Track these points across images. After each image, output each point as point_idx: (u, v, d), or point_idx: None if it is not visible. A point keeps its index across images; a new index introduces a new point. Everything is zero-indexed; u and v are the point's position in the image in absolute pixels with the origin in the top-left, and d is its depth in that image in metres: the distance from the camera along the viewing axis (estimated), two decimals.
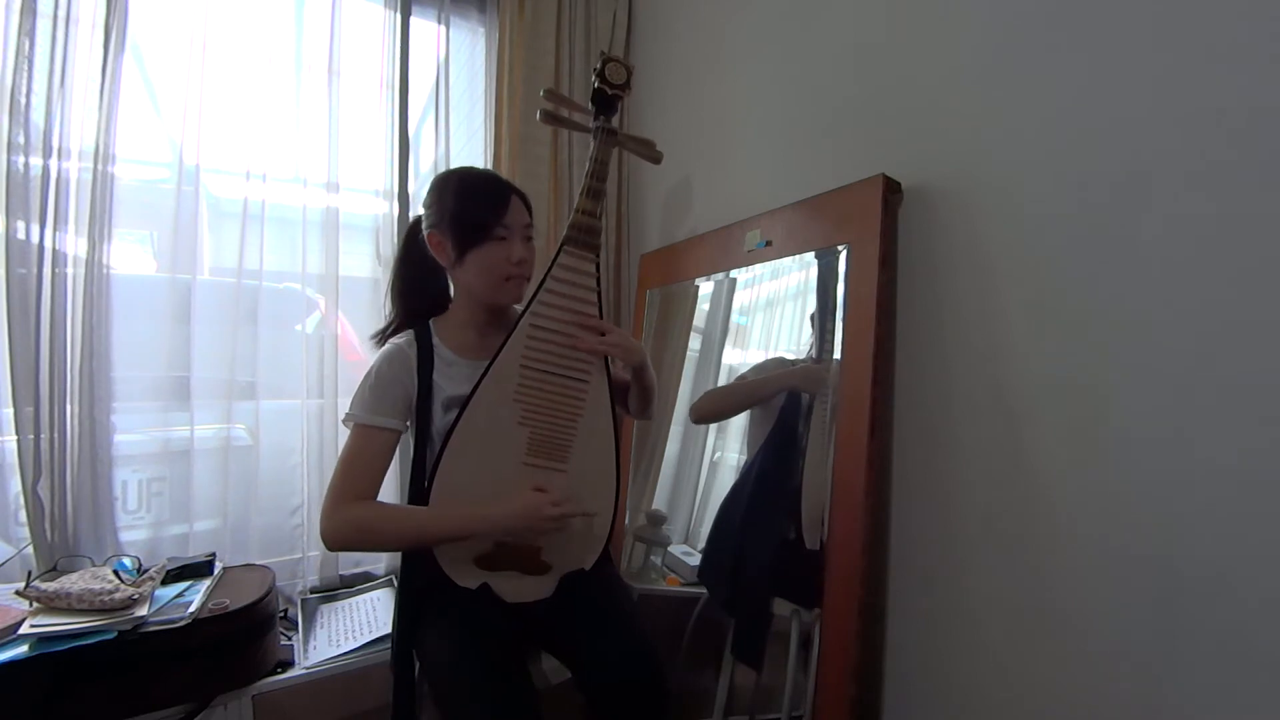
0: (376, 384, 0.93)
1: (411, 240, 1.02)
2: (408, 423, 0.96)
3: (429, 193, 0.99)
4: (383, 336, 1.03)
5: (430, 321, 1.01)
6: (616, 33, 1.77)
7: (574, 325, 0.96)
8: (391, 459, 0.93)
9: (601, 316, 0.98)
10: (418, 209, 1.03)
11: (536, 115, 1.16)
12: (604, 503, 0.99)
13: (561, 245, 0.98)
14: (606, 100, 1.07)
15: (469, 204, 0.95)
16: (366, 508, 0.88)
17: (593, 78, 1.06)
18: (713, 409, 1.35)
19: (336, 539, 0.87)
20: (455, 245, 0.94)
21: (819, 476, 1.03)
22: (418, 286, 1.04)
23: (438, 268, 1.00)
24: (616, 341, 0.97)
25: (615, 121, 1.11)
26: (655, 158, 1.20)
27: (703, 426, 1.39)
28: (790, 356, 1.18)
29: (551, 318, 0.95)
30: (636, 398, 1.09)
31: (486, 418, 0.92)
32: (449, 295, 1.06)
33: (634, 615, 1.01)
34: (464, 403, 0.92)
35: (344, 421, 0.94)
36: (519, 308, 1.00)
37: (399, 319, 1.04)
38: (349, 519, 0.86)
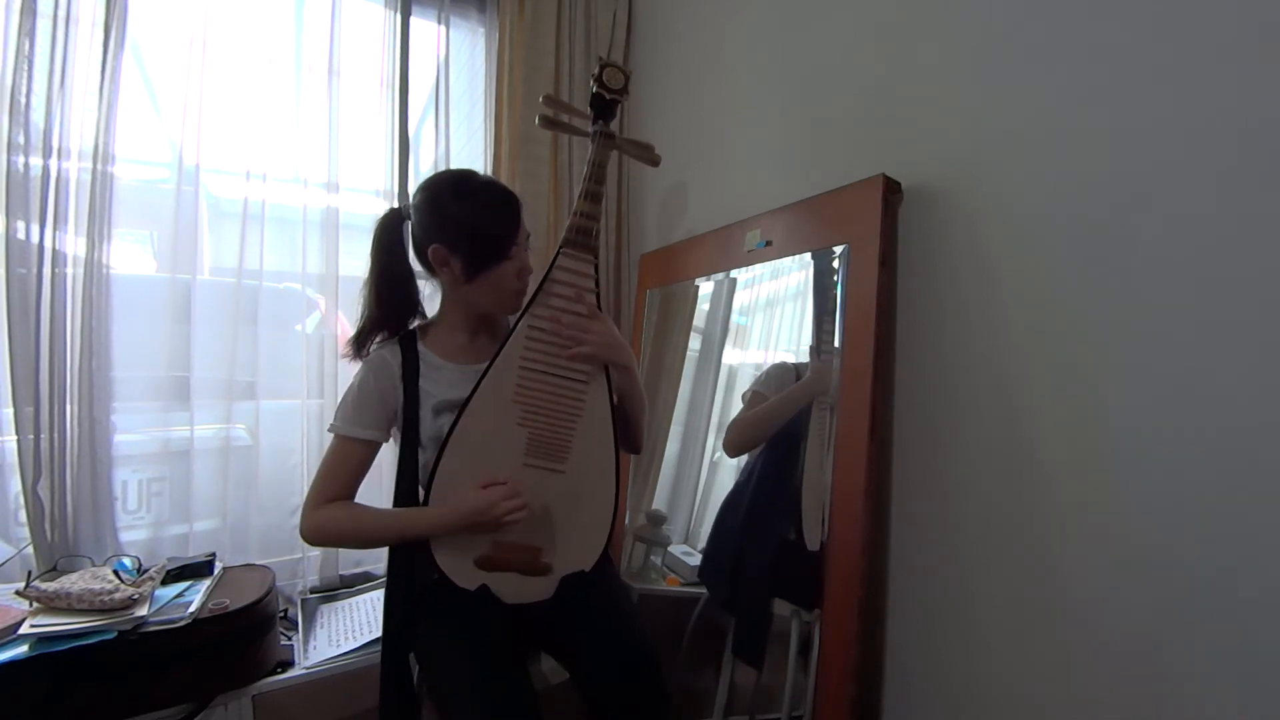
0: (359, 397, 0.94)
1: (391, 236, 0.97)
2: (393, 430, 0.97)
3: (425, 199, 0.94)
4: (358, 341, 0.98)
5: (416, 328, 1.01)
6: (616, 33, 1.76)
7: (567, 319, 0.96)
8: (369, 466, 0.95)
9: None
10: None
11: (535, 120, 1.16)
12: (604, 503, 0.99)
13: (560, 247, 0.98)
14: (605, 105, 1.08)
15: (483, 225, 0.92)
16: (335, 509, 0.92)
17: (590, 83, 1.07)
18: (745, 438, 1.27)
19: (309, 537, 0.93)
20: (465, 266, 0.92)
21: (819, 476, 1.03)
22: (399, 278, 0.98)
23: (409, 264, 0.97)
24: (600, 341, 0.96)
25: (614, 123, 1.11)
26: (653, 161, 1.20)
27: (702, 426, 1.39)
28: (790, 359, 1.18)
29: (551, 319, 0.96)
30: (621, 419, 1.03)
31: (486, 418, 0.93)
32: (419, 309, 1.02)
33: (634, 617, 1.01)
34: (463, 404, 0.92)
35: (328, 429, 0.95)
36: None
37: (374, 320, 0.98)
38: (318, 520, 0.91)
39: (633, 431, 1.08)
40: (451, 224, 0.92)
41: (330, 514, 0.91)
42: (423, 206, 0.95)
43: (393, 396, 0.95)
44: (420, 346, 0.98)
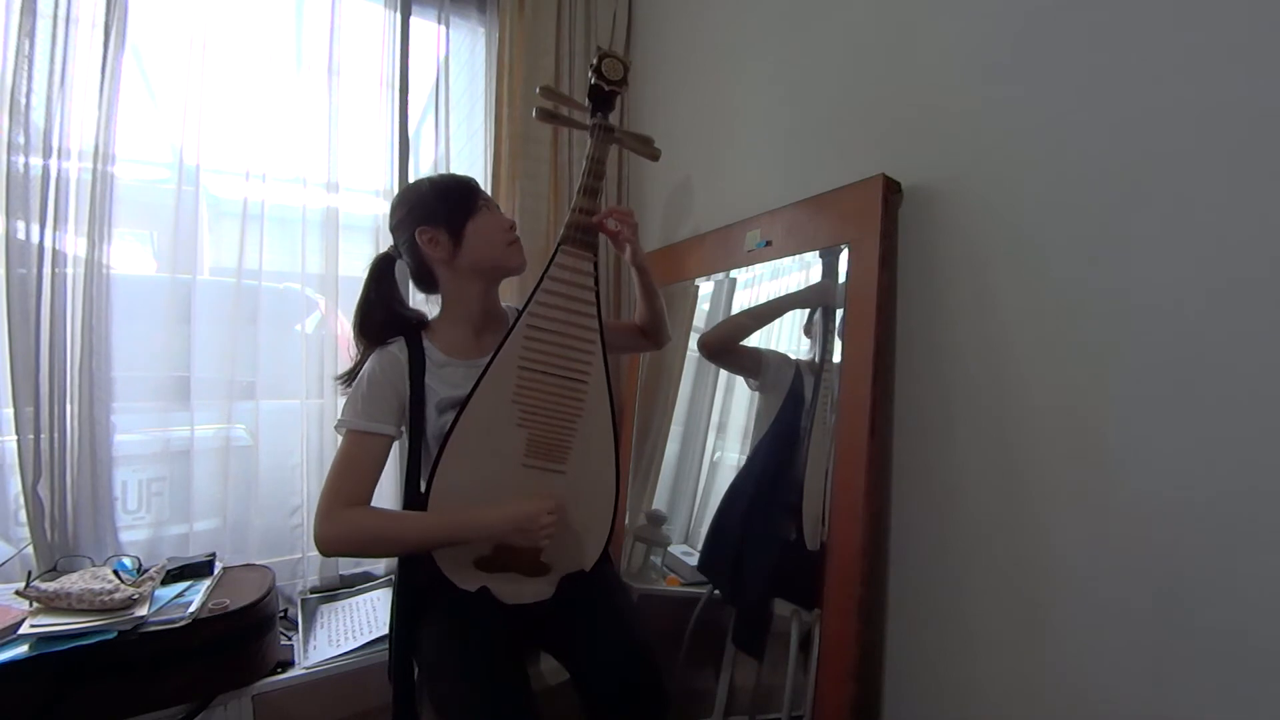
0: (369, 390, 0.93)
1: (385, 275, 1.02)
2: (401, 427, 0.96)
3: (399, 208, 1.01)
4: (350, 376, 0.98)
5: (421, 328, 1.01)
6: (617, 32, 1.77)
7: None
8: (384, 464, 0.92)
9: (600, 316, 0.98)
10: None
11: (533, 113, 1.15)
12: (603, 505, 0.99)
13: (559, 245, 0.97)
14: (603, 97, 1.06)
15: (448, 192, 0.99)
16: (363, 514, 0.87)
17: (589, 74, 1.06)
18: (726, 333, 1.34)
19: (332, 545, 0.86)
20: (449, 230, 0.96)
21: (819, 476, 1.03)
22: (390, 314, 1.01)
23: (399, 297, 1.04)
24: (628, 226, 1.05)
25: (613, 119, 1.10)
26: (653, 155, 1.19)
27: (702, 426, 1.39)
28: (791, 355, 1.18)
29: (549, 318, 0.95)
30: (647, 310, 1.16)
31: (485, 419, 0.92)
32: (423, 318, 1.04)
33: (633, 618, 1.00)
34: (462, 404, 0.92)
35: (336, 428, 0.93)
36: (515, 307, 0.99)
37: (367, 351, 0.99)
38: (345, 526, 0.85)
39: (663, 324, 1.21)
40: (420, 202, 0.99)
41: (353, 521, 0.85)
42: (396, 214, 1.02)
43: (402, 390, 0.94)
44: (426, 343, 0.98)
